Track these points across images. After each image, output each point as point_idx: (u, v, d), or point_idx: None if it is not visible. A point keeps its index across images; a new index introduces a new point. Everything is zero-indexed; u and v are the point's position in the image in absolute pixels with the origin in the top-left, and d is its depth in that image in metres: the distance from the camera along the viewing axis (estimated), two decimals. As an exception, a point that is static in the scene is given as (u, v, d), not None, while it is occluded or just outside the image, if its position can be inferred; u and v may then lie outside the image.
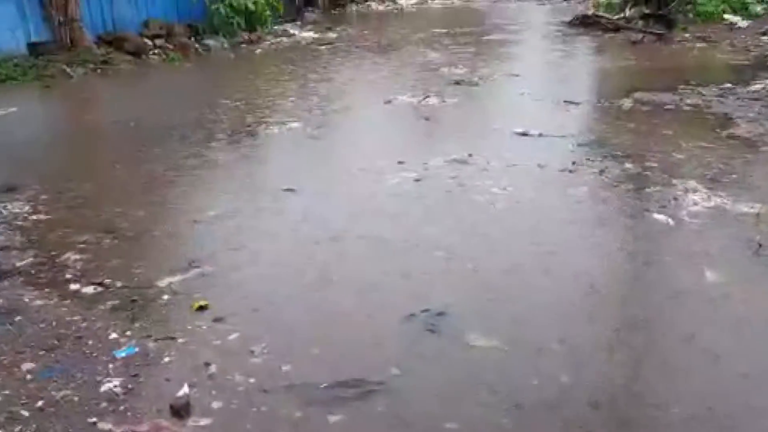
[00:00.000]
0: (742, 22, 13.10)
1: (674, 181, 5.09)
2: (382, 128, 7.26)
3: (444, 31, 14.11)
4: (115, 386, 2.89)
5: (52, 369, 3.02)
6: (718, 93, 7.90)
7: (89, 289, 3.73)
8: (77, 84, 9.95)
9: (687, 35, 12.25)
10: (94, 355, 3.13)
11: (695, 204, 4.69)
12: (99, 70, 10.53)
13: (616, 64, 10.35)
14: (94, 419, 2.70)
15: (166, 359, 3.09)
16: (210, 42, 12.55)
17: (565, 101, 7.76)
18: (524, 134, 6.46)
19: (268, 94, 8.84)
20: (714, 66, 10.16)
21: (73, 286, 3.77)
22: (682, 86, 8.22)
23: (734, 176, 5.20)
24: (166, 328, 3.33)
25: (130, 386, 2.89)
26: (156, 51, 11.74)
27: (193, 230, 4.57)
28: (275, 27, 14.30)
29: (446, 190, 5.14)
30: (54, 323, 3.40)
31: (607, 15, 14.19)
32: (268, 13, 13.74)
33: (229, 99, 8.38)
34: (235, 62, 11.85)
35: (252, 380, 2.93)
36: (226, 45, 12.78)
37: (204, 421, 2.69)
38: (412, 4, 20.81)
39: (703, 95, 7.83)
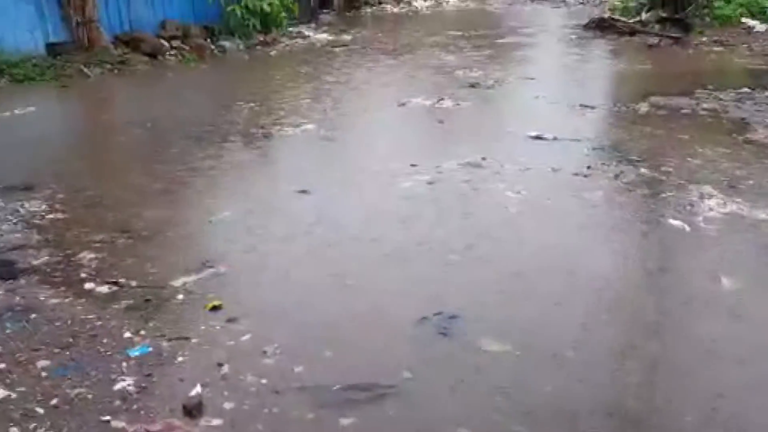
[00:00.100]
0: (760, 26, 12.96)
1: (690, 187, 5.05)
2: (395, 131, 7.26)
3: (459, 33, 14.08)
4: (129, 385, 2.91)
5: (67, 367, 3.05)
6: (736, 98, 7.82)
7: (104, 288, 3.77)
8: (94, 84, 10.04)
9: (704, 39, 12.15)
10: (108, 353, 3.16)
11: (711, 210, 4.65)
12: (116, 71, 10.61)
13: (632, 68, 10.29)
14: (108, 417, 2.72)
15: (180, 359, 3.11)
16: (225, 43, 12.61)
17: (580, 105, 7.72)
18: (539, 138, 6.43)
19: (282, 95, 8.86)
20: (731, 70, 10.07)
21: (88, 285, 3.81)
22: (698, 90, 8.15)
23: (751, 182, 5.15)
24: (179, 328, 3.36)
25: (143, 385, 2.92)
26: (172, 52, 11.81)
27: (207, 231, 4.60)
28: (290, 29, 14.33)
29: (459, 194, 5.13)
30: (69, 321, 3.43)
31: (623, 18, 14.10)
32: (283, 15, 13.77)
33: (244, 100, 8.42)
34: (250, 64, 11.90)
35: (264, 381, 2.94)
36: (241, 46, 12.83)
37: (216, 422, 2.70)
38: (426, 7, 20.78)
39: (720, 100, 7.76)
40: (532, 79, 9.49)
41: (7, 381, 2.95)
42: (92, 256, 4.17)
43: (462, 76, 9.74)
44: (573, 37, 13.44)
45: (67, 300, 3.65)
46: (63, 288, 3.79)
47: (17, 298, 3.67)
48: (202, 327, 3.37)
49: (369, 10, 19.69)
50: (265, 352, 3.14)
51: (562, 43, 13.02)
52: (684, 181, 5.19)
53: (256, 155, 6.39)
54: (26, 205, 5.01)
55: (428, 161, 5.77)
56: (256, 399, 2.83)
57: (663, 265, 4.01)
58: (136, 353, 3.14)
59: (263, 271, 3.98)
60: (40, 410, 2.76)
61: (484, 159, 5.80)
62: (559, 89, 8.94)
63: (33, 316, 3.48)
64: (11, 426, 2.67)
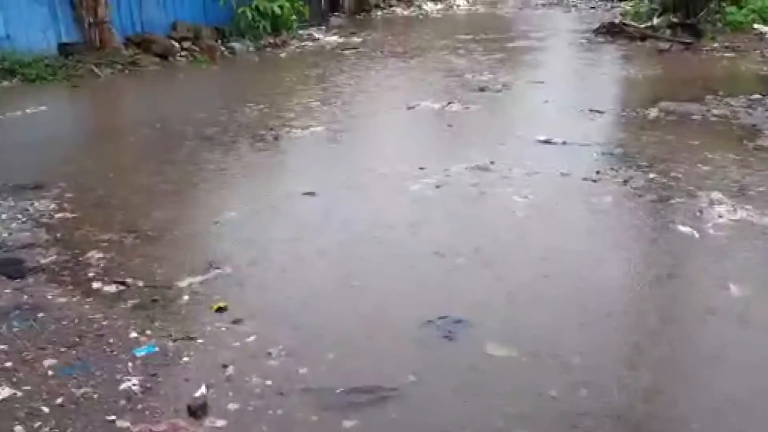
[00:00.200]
0: (772, 33, 12.89)
1: (699, 193, 5.02)
2: (404, 134, 7.26)
3: (469, 37, 14.07)
4: (134, 385, 2.92)
5: (73, 366, 3.06)
6: (746, 104, 7.77)
7: (111, 288, 3.78)
8: (105, 84, 10.10)
9: (715, 45, 12.08)
10: (114, 353, 3.17)
11: (720, 216, 4.62)
12: (126, 71, 10.68)
13: (643, 73, 10.24)
14: (113, 417, 2.72)
15: (185, 359, 3.12)
16: (236, 45, 12.66)
17: (589, 110, 7.69)
18: (547, 142, 6.42)
19: (291, 97, 8.89)
20: (743, 76, 10.01)
21: (96, 285, 3.82)
22: (709, 96, 8.10)
23: (761, 189, 5.11)
24: (185, 328, 3.36)
25: (148, 385, 2.92)
26: (183, 53, 11.87)
27: (214, 231, 4.61)
28: (300, 31, 14.37)
29: (467, 197, 5.12)
30: (76, 321, 3.44)
31: (634, 23, 14.05)
32: (293, 17, 13.82)
33: (254, 102, 8.44)
34: (260, 65, 11.94)
35: (269, 382, 2.94)
36: (251, 48, 12.89)
37: (220, 422, 2.70)
38: (437, 10, 20.79)
39: (731, 106, 7.71)
40: (542, 83, 9.47)
41: (13, 379, 2.96)
42: (100, 255, 4.19)
43: (471, 79, 9.73)
44: (583, 41, 13.40)
45: (74, 299, 3.67)
46: (70, 287, 3.81)
47: (25, 297, 3.69)
48: (208, 328, 3.37)
49: (379, 13, 19.72)
50: (270, 354, 3.14)
51: (572, 48, 12.99)
52: (693, 187, 5.16)
53: (264, 156, 6.40)
54: (35, 204, 5.04)
55: (436, 164, 5.76)
56: (260, 400, 2.83)
57: (671, 271, 3.99)
58: (142, 353, 3.15)
59: (269, 273, 3.99)
60: (46, 409, 2.77)
61: (492, 163, 5.79)
62: (568, 93, 8.91)
63: (40, 314, 3.50)
64: (16, 424, 2.68)
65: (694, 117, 7.32)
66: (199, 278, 3.87)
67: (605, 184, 5.29)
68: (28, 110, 8.13)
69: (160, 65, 11.27)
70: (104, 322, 3.42)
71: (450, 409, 2.78)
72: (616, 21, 14.51)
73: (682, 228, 4.47)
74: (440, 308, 3.47)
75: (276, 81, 10.27)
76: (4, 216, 4.83)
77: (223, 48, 12.49)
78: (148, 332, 3.33)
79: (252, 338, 3.28)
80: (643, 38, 12.95)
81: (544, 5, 21.42)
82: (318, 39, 14.41)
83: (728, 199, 4.88)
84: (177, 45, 11.91)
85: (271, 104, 8.37)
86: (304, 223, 4.70)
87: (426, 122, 7.59)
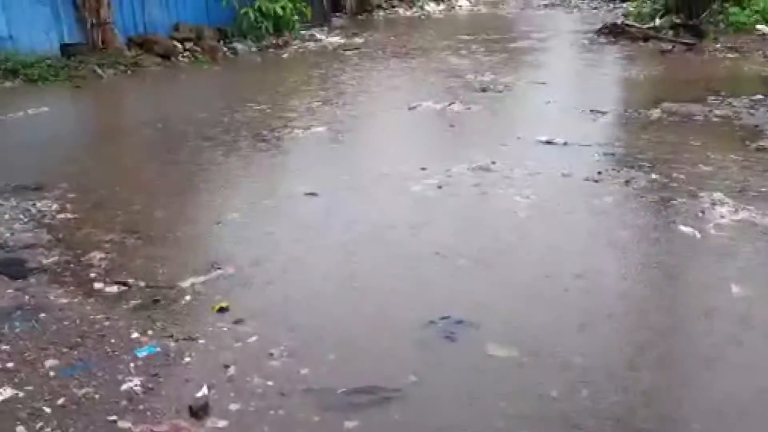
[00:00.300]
0: (775, 33, 12.87)
1: (701, 194, 5.01)
2: (405, 134, 7.27)
3: (470, 37, 14.07)
4: (136, 385, 2.92)
5: (75, 367, 3.06)
6: (749, 104, 7.76)
7: (113, 288, 3.79)
8: (107, 85, 10.12)
9: (718, 45, 12.07)
10: (116, 353, 3.17)
11: (722, 217, 4.62)
12: (129, 72, 10.69)
13: (645, 74, 10.23)
14: (114, 417, 2.73)
15: (187, 360, 3.12)
16: (238, 46, 12.68)
17: (591, 110, 7.69)
18: (549, 143, 6.41)
19: (293, 98, 8.90)
20: (745, 77, 9.99)
21: (97, 285, 3.83)
22: (711, 97, 8.09)
23: (763, 189, 5.10)
24: (187, 329, 3.37)
25: (150, 386, 2.92)
26: (185, 54, 11.88)
27: (216, 232, 4.62)
28: (302, 32, 14.38)
29: (469, 198, 5.12)
30: (77, 321, 3.45)
31: (636, 24, 14.03)
32: (296, 18, 13.83)
33: (255, 102, 8.45)
34: (262, 66, 11.95)
35: (270, 383, 2.94)
36: (253, 49, 12.90)
37: (222, 423, 2.70)
38: (439, 11, 20.80)
39: (733, 106, 7.70)
40: (544, 83, 9.47)
41: (15, 380, 2.96)
42: (102, 255, 4.19)
43: (473, 80, 9.73)
44: (585, 42, 13.39)
45: (76, 300, 3.67)
46: (72, 287, 3.81)
47: (27, 298, 3.70)
48: (210, 328, 3.37)
49: (381, 13, 19.72)
50: (271, 354, 3.14)
51: (574, 48, 12.98)
52: (695, 187, 5.15)
53: (266, 157, 6.41)
54: (37, 204, 5.05)
55: (438, 165, 5.76)
56: (262, 401, 2.83)
57: (673, 272, 3.99)
58: (144, 354, 3.15)
59: (271, 273, 3.99)
60: (47, 409, 2.78)
61: (493, 163, 5.79)
62: (570, 94, 8.91)
63: (42, 315, 3.50)
64: (18, 425, 2.69)
65: (696, 118, 7.31)
66: (201, 278, 3.88)
67: (607, 185, 5.29)
68: (30, 111, 8.15)
69: (163, 66, 11.28)
70: (106, 323, 3.43)
71: (451, 409, 2.78)
72: (619, 22, 14.50)
73: (683, 228, 4.47)
74: (441, 309, 3.47)
75: (278, 81, 10.28)
76: (6, 216, 4.83)
77: (225, 48, 12.51)
78: (150, 333, 3.33)
79: (253, 338, 3.28)
80: (646, 39, 12.94)
81: (545, 6, 21.41)
82: (320, 39, 14.42)
83: (730, 199, 4.88)
84: (179, 45, 11.93)
85: (273, 104, 8.38)
86: (306, 223, 4.71)
87: (427, 122, 7.59)
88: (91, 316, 3.49)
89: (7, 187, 5.37)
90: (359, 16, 18.87)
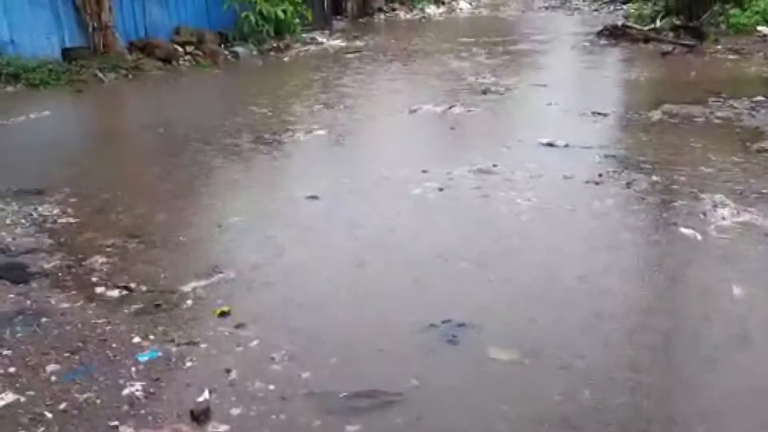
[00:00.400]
0: (775, 35, 12.87)
1: (702, 196, 5.01)
2: (406, 137, 7.27)
3: (471, 40, 14.09)
4: (137, 390, 2.92)
5: (76, 371, 3.06)
6: (750, 106, 7.75)
7: (114, 293, 3.79)
8: (108, 89, 10.13)
9: (719, 47, 12.06)
10: (117, 358, 3.17)
11: (724, 219, 4.61)
12: (130, 76, 10.72)
13: (645, 76, 10.23)
14: (116, 422, 2.73)
15: (188, 364, 3.12)
16: (239, 49, 12.69)
17: (592, 112, 7.69)
18: (550, 145, 6.41)
19: (295, 101, 8.90)
20: (746, 78, 9.99)
21: (99, 289, 3.83)
22: (712, 99, 8.09)
23: (765, 191, 5.09)
24: (188, 333, 3.36)
25: (151, 390, 2.92)
26: (186, 57, 11.90)
27: (217, 236, 4.62)
28: (303, 35, 14.40)
29: (470, 201, 5.12)
30: (79, 326, 3.45)
31: (636, 26, 14.03)
32: (296, 21, 13.85)
33: (256, 105, 8.46)
34: (263, 69, 11.97)
35: (271, 387, 2.94)
36: (254, 52, 12.92)
37: (223, 428, 2.70)
38: (439, 14, 20.83)
39: (734, 108, 7.70)
40: (544, 86, 9.47)
41: (17, 385, 2.97)
42: (103, 260, 4.20)
43: (474, 82, 9.74)
44: (586, 44, 13.40)
45: (77, 304, 3.67)
46: (74, 292, 3.81)
47: (28, 302, 3.70)
48: (211, 332, 3.37)
49: (382, 16, 19.76)
50: (272, 358, 3.14)
51: (574, 50, 12.98)
52: (696, 189, 5.15)
53: (267, 160, 6.41)
54: (39, 208, 5.06)
55: (439, 168, 5.76)
56: (263, 405, 2.83)
57: (674, 274, 3.98)
58: (145, 358, 3.15)
59: (272, 277, 3.99)
60: (49, 414, 2.78)
61: (495, 166, 5.79)
62: (571, 96, 8.91)
63: (43, 320, 3.51)
64: (20, 430, 2.69)
65: (697, 119, 7.31)
66: (203, 283, 3.88)
67: (608, 187, 5.28)
68: (31, 115, 8.17)
69: (164, 70, 11.30)
70: (107, 327, 3.43)
71: (453, 413, 2.77)
72: (619, 24, 14.50)
73: (685, 230, 4.46)
74: (443, 312, 3.47)
75: (279, 85, 10.29)
76: (8, 221, 4.84)
77: (226, 52, 12.53)
78: (151, 337, 3.33)
79: (255, 343, 3.28)
80: (646, 41, 12.94)
81: (546, 8, 21.44)
82: (321, 42, 14.44)
83: (731, 201, 4.87)
84: (180, 49, 11.95)
85: (275, 108, 8.39)
86: (308, 227, 4.71)
87: (429, 125, 7.59)
88: (93, 321, 3.49)
89: (9, 192, 5.38)
90: (360, 19, 18.91)
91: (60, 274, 4.03)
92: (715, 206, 4.80)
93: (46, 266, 4.13)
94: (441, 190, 5.32)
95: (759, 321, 3.42)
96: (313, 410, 2.79)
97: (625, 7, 18.71)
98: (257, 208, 5.12)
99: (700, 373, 3.05)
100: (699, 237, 4.37)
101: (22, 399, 2.87)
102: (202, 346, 3.26)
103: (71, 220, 4.89)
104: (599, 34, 14.00)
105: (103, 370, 3.07)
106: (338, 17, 18.06)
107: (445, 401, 2.84)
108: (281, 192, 5.57)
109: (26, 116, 8.12)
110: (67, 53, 10.77)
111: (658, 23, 13.87)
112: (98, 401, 2.86)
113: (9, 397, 2.88)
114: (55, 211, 5.02)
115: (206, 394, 2.86)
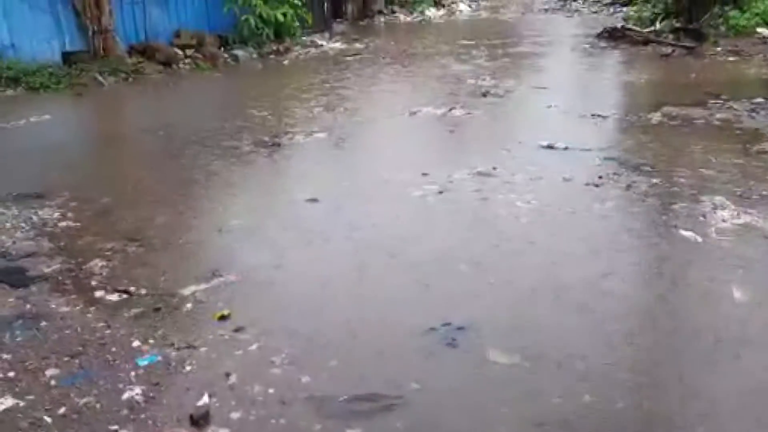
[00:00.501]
0: (775, 36, 12.87)
1: (702, 198, 5.01)
2: (406, 140, 7.27)
3: (471, 42, 14.10)
4: (137, 394, 2.92)
5: (76, 376, 3.06)
6: (750, 108, 7.75)
7: (114, 297, 3.79)
8: (109, 92, 10.14)
9: (718, 49, 12.07)
10: (117, 362, 3.17)
11: (724, 221, 4.61)
12: (130, 79, 10.72)
13: (645, 78, 10.24)
14: (116, 427, 2.72)
15: (188, 368, 3.12)
16: (239, 52, 12.70)
17: (592, 114, 7.70)
18: (550, 147, 6.41)
19: (294, 104, 8.91)
20: (745, 80, 9.99)
21: (99, 293, 3.83)
22: (712, 101, 8.10)
23: (765, 193, 5.09)
24: (188, 337, 3.36)
25: (151, 394, 2.92)
26: (186, 60, 11.91)
27: (217, 239, 4.62)
28: (303, 38, 14.41)
29: (470, 203, 5.12)
30: (78, 330, 3.45)
31: (636, 28, 14.05)
32: (296, 24, 13.87)
33: (256, 108, 8.47)
34: (263, 72, 11.98)
35: (271, 391, 2.93)
36: (254, 55, 12.93)
37: (223, 431, 2.70)
38: (439, 16, 20.84)
39: (734, 110, 7.70)
40: (544, 88, 9.46)
41: (16, 389, 2.96)
42: (103, 264, 4.19)
43: (474, 85, 9.75)
44: (586, 46, 13.41)
45: (77, 308, 3.67)
46: (73, 296, 3.81)
47: (28, 306, 3.70)
48: (211, 336, 3.37)
49: (382, 19, 19.78)
50: (272, 362, 3.14)
51: (574, 53, 12.99)
52: (696, 191, 5.15)
53: (267, 163, 6.41)
54: (39, 212, 5.06)
55: (439, 170, 5.76)
56: (263, 409, 2.82)
57: (674, 276, 3.97)
58: (145, 362, 3.15)
59: (272, 280, 3.99)
60: (48, 419, 2.77)
61: (495, 168, 5.79)
62: (571, 98, 8.92)
63: (43, 324, 3.50)
64: (19, 434, 2.69)
65: (697, 121, 7.31)
66: (203, 286, 3.87)
67: (608, 190, 5.28)
68: (32, 119, 8.17)
69: (164, 73, 11.31)
70: (107, 331, 3.43)
71: (453, 416, 2.77)
72: (619, 26, 14.52)
73: (685, 233, 4.46)
74: (443, 315, 3.47)
75: (279, 88, 10.30)
76: (8, 225, 4.84)
77: (226, 55, 12.54)
78: (151, 341, 3.33)
79: (254, 346, 3.27)
80: (646, 43, 12.95)
81: (546, 10, 21.46)
82: (321, 45, 14.45)
83: (732, 203, 4.87)
84: (180, 53, 11.96)
85: (274, 111, 8.40)
86: (307, 230, 4.70)
87: (428, 128, 7.59)
88: (93, 325, 3.49)
89: (8, 196, 5.37)
90: (360, 22, 18.93)
91: (60, 278, 4.03)
92: (715, 208, 4.80)
93: (46, 270, 4.13)
94: (441, 192, 5.32)
95: (759, 323, 3.42)
96: (313, 414, 2.78)
97: (624, 9, 18.73)
98: (257, 211, 5.12)
99: (700, 374, 3.05)
100: (699, 239, 4.36)
101: (22, 403, 2.87)
102: (202, 349, 3.26)
103: (71, 223, 4.89)
104: (599, 36, 14.02)
105: (102, 374, 3.07)
106: (338, 20, 18.08)
107: (445, 404, 2.84)
108: (281, 195, 5.58)
109: (26, 120, 8.13)
110: (67, 57, 10.78)
111: (657, 25, 13.89)
112: (98, 405, 2.85)
113: (8, 401, 2.88)
114: (55, 215, 5.02)
115: (206, 398, 2.86)
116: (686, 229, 4.50)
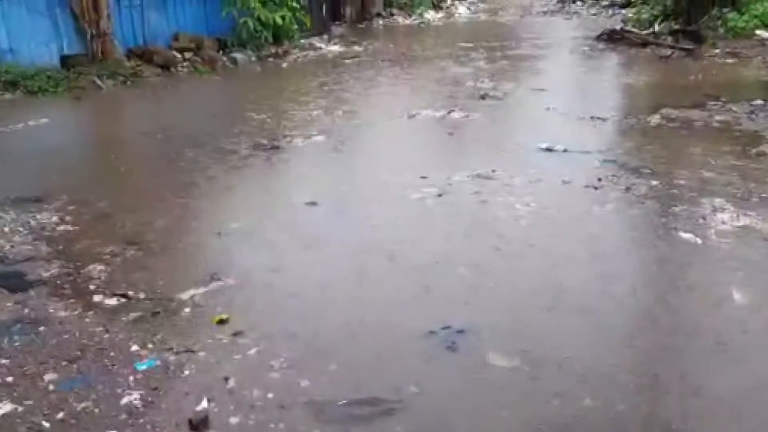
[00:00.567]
0: (773, 38, 12.88)
1: (702, 200, 5.01)
2: (405, 142, 7.26)
3: (470, 45, 14.11)
4: (135, 399, 2.90)
5: (74, 380, 3.04)
6: (749, 110, 7.76)
7: (112, 301, 3.77)
8: (107, 96, 10.13)
9: (717, 51, 12.09)
10: (116, 367, 3.15)
11: (724, 223, 4.61)
12: (129, 83, 10.71)
13: (644, 80, 10.25)
14: (114, 432, 2.71)
15: (186, 372, 3.10)
16: (237, 55, 12.70)
17: (591, 117, 7.70)
18: (549, 150, 6.41)
19: (293, 107, 8.90)
20: (744, 82, 10.00)
21: (97, 298, 3.81)
22: (711, 103, 8.10)
23: (764, 195, 5.09)
24: (186, 341, 3.35)
25: (149, 399, 2.91)
26: (185, 64, 11.90)
27: (216, 243, 4.60)
28: (302, 41, 14.41)
29: (469, 206, 5.11)
30: (77, 334, 3.43)
31: (635, 30, 14.07)
32: (295, 27, 13.87)
33: (255, 111, 8.46)
34: (261, 75, 11.98)
35: (270, 395, 2.92)
36: (253, 58, 12.93)
37: (221, 436, 2.69)
38: (438, 19, 20.87)
39: (733, 112, 7.70)
40: (543, 90, 9.47)
41: (14, 394, 2.95)
42: (101, 268, 4.18)
43: (472, 87, 9.75)
44: (585, 48, 13.42)
45: (75, 312, 3.66)
46: (72, 300, 3.80)
47: (26, 311, 3.69)
48: (209, 340, 3.36)
49: (381, 22, 19.79)
50: (271, 366, 3.13)
51: (573, 55, 13.01)
52: (696, 194, 5.15)
53: (266, 166, 6.40)
54: (37, 216, 5.04)
55: (438, 173, 5.75)
56: (262, 414, 2.81)
57: (674, 279, 3.97)
58: (143, 367, 3.13)
59: (270, 284, 3.97)
60: (47, 424, 2.76)
61: (494, 171, 5.78)
62: (570, 101, 8.92)
63: (41, 328, 3.49)
64: (17, 439, 2.68)
65: (696, 123, 7.31)
66: (201, 290, 3.86)
67: (607, 192, 5.28)
68: (30, 122, 8.15)
69: (162, 76, 11.30)
70: (105, 336, 3.41)
71: (453, 420, 2.76)
72: (618, 28, 14.55)
73: (684, 235, 4.45)
74: (442, 318, 3.46)
75: (278, 90, 10.29)
76: (6, 229, 4.82)
77: (224, 58, 12.53)
78: (150, 346, 3.32)
79: (253, 350, 3.26)
80: (645, 45, 12.97)
81: (545, 13, 21.51)
82: (320, 48, 14.45)
83: (731, 205, 4.87)
84: (179, 56, 11.95)
85: (273, 114, 8.39)
86: (306, 233, 4.69)
87: (427, 130, 7.59)
88: (91, 329, 3.47)
89: (7, 200, 5.35)
90: (359, 25, 18.94)
91: (58, 283, 4.01)
92: (714, 210, 4.80)
93: (45, 274, 4.11)
94: (440, 195, 5.31)
95: (760, 324, 3.41)
96: (313, 418, 2.77)
97: (623, 11, 18.77)
98: (256, 214, 5.10)
99: (701, 377, 3.03)
100: (699, 241, 4.36)
101: (20, 408, 2.85)
102: (201, 354, 3.24)
103: (69, 227, 4.87)
104: (598, 38, 14.04)
105: (101, 379, 3.05)
106: (337, 23, 18.09)
107: (445, 408, 2.83)
108: (280, 198, 5.57)
109: (25, 123, 8.11)
110: (65, 61, 10.77)
111: (656, 27, 13.92)
112: (96, 410, 2.84)
113: (7, 406, 2.86)
114: (54, 219, 5.00)
115: (205, 403, 2.84)
116: (686, 232, 4.49)
